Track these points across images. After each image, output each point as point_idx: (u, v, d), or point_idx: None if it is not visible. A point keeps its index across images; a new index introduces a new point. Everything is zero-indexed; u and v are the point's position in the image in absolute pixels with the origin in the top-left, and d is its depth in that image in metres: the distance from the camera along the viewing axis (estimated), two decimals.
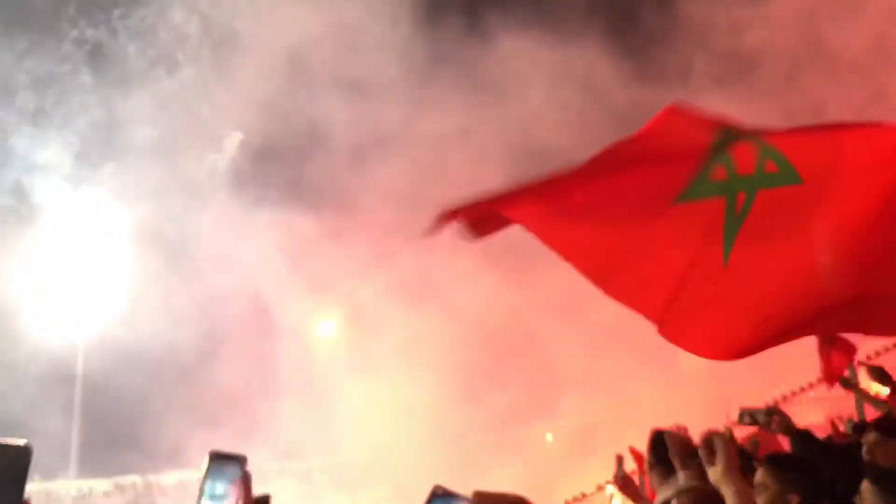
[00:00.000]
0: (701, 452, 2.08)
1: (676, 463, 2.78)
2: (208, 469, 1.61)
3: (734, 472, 2.03)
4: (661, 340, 3.42)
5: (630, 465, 3.88)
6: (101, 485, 20.05)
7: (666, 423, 3.82)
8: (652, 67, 22.62)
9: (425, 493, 1.79)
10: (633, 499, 3.89)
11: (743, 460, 4.02)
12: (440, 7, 23.87)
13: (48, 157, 23.77)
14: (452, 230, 3.41)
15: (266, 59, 24.11)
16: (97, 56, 24.82)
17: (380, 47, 22.98)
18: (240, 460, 1.71)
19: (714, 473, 2.04)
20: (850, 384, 4.88)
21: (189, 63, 25.28)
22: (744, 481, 2.04)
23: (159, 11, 25.30)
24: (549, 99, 22.42)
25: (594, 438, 15.36)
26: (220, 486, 1.68)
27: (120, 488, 19.83)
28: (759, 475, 2.58)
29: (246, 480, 1.72)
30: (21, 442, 1.22)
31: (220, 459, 1.66)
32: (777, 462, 2.61)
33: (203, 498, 1.61)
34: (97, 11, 24.94)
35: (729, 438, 4.08)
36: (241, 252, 22.36)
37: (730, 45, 19.66)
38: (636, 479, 4.42)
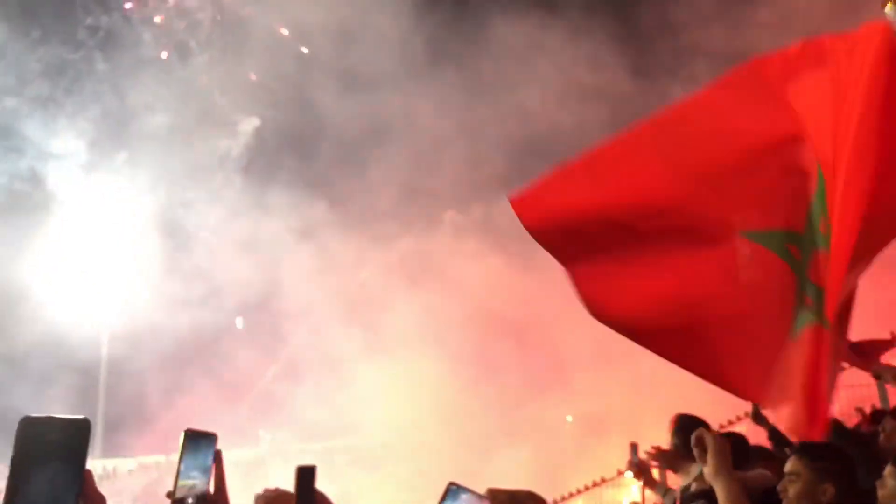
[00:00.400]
0: (694, 451, 2.12)
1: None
2: (190, 446, 1.66)
3: (725, 469, 2.08)
4: None
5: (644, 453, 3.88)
6: (125, 464, 20.44)
7: (684, 407, 3.81)
8: (652, 57, 22.59)
9: (443, 474, 1.81)
10: (648, 485, 3.91)
11: (777, 444, 3.99)
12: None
13: (62, 144, 23.87)
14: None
15: (275, 48, 24.10)
16: (110, 43, 24.83)
17: (384, 38, 22.88)
18: (214, 437, 1.78)
19: (706, 471, 2.08)
20: (881, 374, 4.78)
21: (201, 50, 25.27)
22: (734, 479, 2.08)
23: None
24: (546, 91, 22.39)
25: (612, 420, 15.38)
26: (209, 459, 1.76)
27: (143, 467, 20.19)
28: (791, 464, 2.53)
29: (218, 457, 1.80)
30: (79, 416, 1.26)
31: (199, 436, 1.72)
32: (810, 451, 2.55)
33: (191, 471, 1.67)
34: None
35: (765, 422, 4.04)
36: (255, 236, 22.49)
37: (729, 36, 19.33)
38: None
